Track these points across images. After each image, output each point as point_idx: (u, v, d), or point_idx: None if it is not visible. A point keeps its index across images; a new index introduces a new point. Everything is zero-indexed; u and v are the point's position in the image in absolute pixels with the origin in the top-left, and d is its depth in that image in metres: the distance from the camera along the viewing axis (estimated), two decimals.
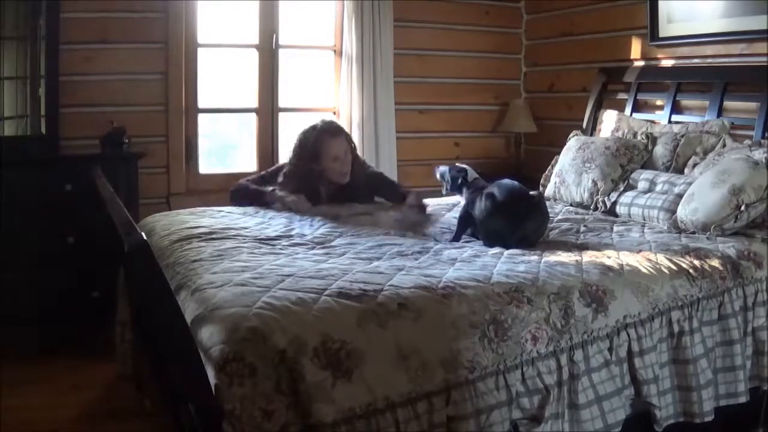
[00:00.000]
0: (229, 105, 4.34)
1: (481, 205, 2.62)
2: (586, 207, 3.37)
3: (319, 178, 3.26)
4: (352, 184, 3.30)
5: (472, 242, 2.65)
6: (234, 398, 1.57)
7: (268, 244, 2.52)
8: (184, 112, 4.01)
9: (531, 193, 2.70)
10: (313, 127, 3.26)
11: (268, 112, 4.25)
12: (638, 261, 2.32)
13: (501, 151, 4.91)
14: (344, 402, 1.66)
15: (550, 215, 3.15)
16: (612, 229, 2.89)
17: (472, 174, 2.92)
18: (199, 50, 4.05)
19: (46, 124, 3.54)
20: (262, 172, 3.50)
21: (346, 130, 4.25)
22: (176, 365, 1.66)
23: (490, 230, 2.59)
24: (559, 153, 3.76)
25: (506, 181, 2.72)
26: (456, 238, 2.70)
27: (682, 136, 3.34)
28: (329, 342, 1.69)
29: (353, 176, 3.30)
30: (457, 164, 3.02)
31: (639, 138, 3.50)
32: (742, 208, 2.64)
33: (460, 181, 2.90)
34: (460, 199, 2.94)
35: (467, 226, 2.73)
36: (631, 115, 3.89)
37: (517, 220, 2.55)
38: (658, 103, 3.85)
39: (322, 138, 3.21)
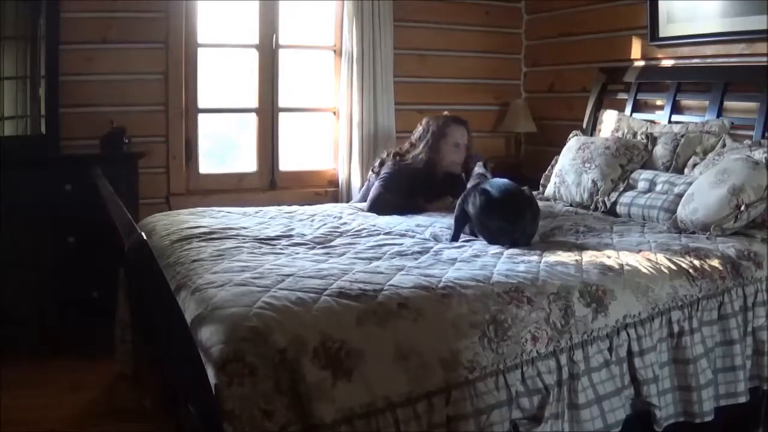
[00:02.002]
0: (229, 105, 4.33)
1: (476, 203, 2.62)
2: (586, 207, 3.37)
3: (433, 164, 3.49)
4: (460, 178, 3.45)
5: (471, 242, 2.65)
6: (234, 398, 1.57)
7: (268, 244, 2.52)
8: (184, 112, 4.01)
9: (522, 189, 2.71)
10: (440, 115, 3.65)
11: (268, 112, 4.25)
12: (638, 261, 2.32)
13: (501, 151, 4.91)
14: (344, 402, 1.66)
15: (551, 215, 3.17)
16: (612, 229, 2.89)
17: (478, 168, 2.93)
18: (199, 50, 4.05)
19: (46, 124, 3.53)
20: (383, 175, 3.52)
21: (346, 130, 4.28)
22: (176, 365, 1.66)
23: (490, 228, 2.59)
24: (559, 153, 3.76)
25: (496, 179, 2.73)
26: (455, 237, 2.70)
27: (682, 136, 3.34)
28: (329, 342, 1.69)
29: (464, 169, 3.49)
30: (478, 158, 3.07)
31: (639, 138, 3.50)
32: (742, 208, 2.64)
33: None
34: None
35: (464, 224, 2.73)
36: (631, 115, 3.89)
37: (514, 215, 2.55)
38: (658, 103, 3.85)
39: (448, 124, 3.54)
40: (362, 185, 3.96)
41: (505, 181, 2.71)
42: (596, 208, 3.30)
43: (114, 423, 2.69)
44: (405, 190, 3.42)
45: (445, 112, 3.60)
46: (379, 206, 3.36)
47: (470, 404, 1.80)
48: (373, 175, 3.60)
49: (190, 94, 4.04)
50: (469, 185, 2.88)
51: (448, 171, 3.51)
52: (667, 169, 3.28)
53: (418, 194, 3.44)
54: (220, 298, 1.84)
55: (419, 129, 3.63)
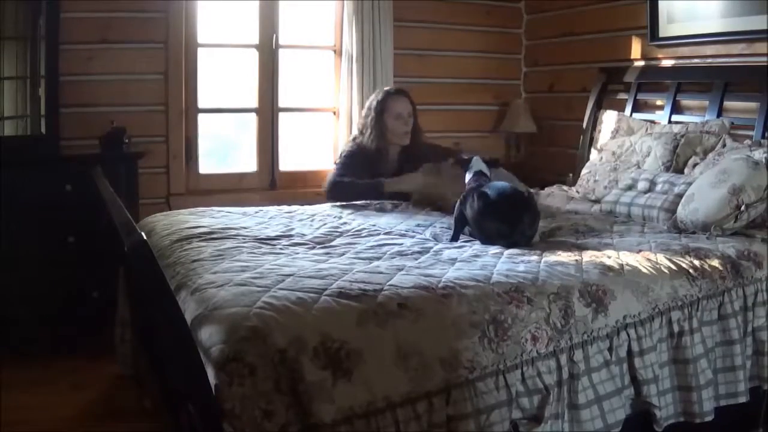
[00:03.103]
0: (229, 105, 4.34)
1: (474, 204, 2.62)
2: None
3: (384, 136, 3.52)
4: (412, 148, 3.53)
5: (471, 242, 2.65)
6: (234, 398, 1.57)
7: (268, 244, 2.52)
8: (184, 112, 4.01)
9: (522, 190, 2.70)
10: (380, 90, 3.70)
11: (268, 112, 4.25)
12: (638, 261, 2.32)
13: (501, 151, 4.90)
14: (344, 402, 1.66)
15: (551, 215, 3.17)
16: (612, 229, 2.89)
17: (477, 164, 2.91)
18: (199, 50, 4.05)
19: (46, 124, 3.53)
20: (338, 161, 3.64)
21: (346, 130, 4.28)
22: (176, 365, 1.66)
23: (487, 230, 2.59)
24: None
25: (495, 182, 2.73)
26: (454, 237, 2.70)
27: (682, 136, 3.34)
28: (329, 342, 1.69)
29: (413, 140, 3.56)
30: (464, 155, 3.04)
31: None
32: (742, 208, 2.64)
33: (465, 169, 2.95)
34: None
35: (464, 225, 2.72)
36: (631, 115, 3.89)
37: (512, 218, 2.55)
38: (658, 103, 3.85)
39: (387, 96, 3.57)
40: None
41: (505, 183, 2.70)
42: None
43: (114, 423, 2.69)
44: (363, 171, 3.47)
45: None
46: (336, 192, 3.43)
47: (470, 404, 1.80)
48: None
49: (190, 94, 4.04)
50: (467, 184, 2.86)
51: (399, 144, 3.57)
52: (667, 169, 3.28)
53: (381, 176, 3.49)
54: (220, 298, 1.84)
55: (365, 107, 3.68)
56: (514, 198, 2.62)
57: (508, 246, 2.49)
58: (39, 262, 3.29)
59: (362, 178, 3.46)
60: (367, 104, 3.66)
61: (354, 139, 3.67)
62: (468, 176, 2.90)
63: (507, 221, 2.54)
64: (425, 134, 3.77)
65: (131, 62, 3.84)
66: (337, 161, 3.66)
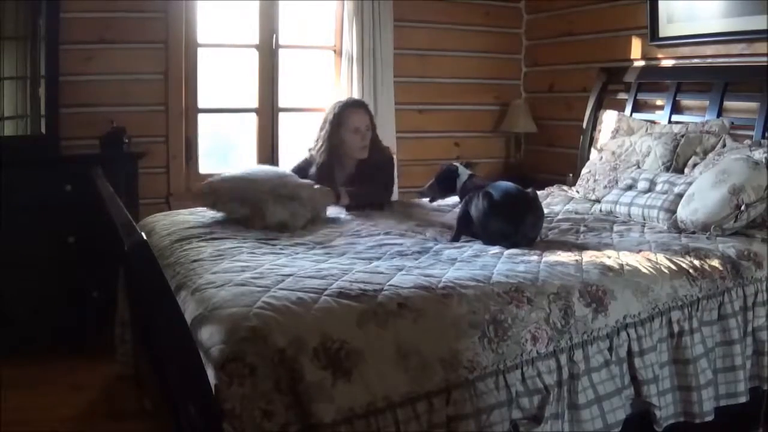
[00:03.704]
0: (229, 105, 4.34)
1: (479, 204, 2.62)
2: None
3: (338, 151, 3.38)
4: (369, 162, 3.40)
5: (471, 242, 2.65)
6: (234, 398, 1.57)
7: (268, 244, 2.52)
8: (184, 112, 4.01)
9: (526, 190, 2.70)
10: (338, 101, 3.48)
11: (268, 112, 4.25)
12: (638, 261, 2.32)
13: (501, 151, 4.91)
14: (344, 402, 1.66)
15: (551, 215, 3.17)
16: (612, 229, 2.89)
17: (463, 171, 2.94)
18: (199, 50, 4.05)
19: (46, 124, 3.53)
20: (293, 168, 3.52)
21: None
22: (176, 365, 1.66)
23: (490, 230, 2.59)
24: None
25: (501, 182, 2.74)
26: (455, 238, 2.70)
27: (682, 136, 3.34)
28: (329, 342, 1.69)
29: (371, 154, 3.41)
30: (443, 165, 3.05)
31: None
32: (742, 208, 2.64)
33: (452, 180, 2.95)
34: (457, 199, 2.97)
35: (466, 225, 2.73)
36: (631, 115, 3.89)
37: (516, 218, 2.55)
38: (658, 103, 3.85)
39: (344, 110, 3.39)
40: None
41: (509, 183, 2.71)
42: None
43: (114, 423, 2.69)
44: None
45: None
46: None
47: (470, 404, 1.80)
48: None
49: (190, 94, 4.04)
50: (461, 190, 2.90)
51: (355, 158, 3.41)
52: (667, 169, 3.28)
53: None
54: (220, 298, 1.84)
55: (321, 120, 3.47)
56: (518, 199, 2.62)
57: (509, 246, 2.49)
58: (39, 262, 3.29)
59: None
60: (323, 116, 3.46)
61: (310, 149, 3.50)
62: (459, 183, 2.95)
63: (511, 222, 2.55)
64: (384, 148, 3.57)
65: (131, 62, 3.84)
66: None
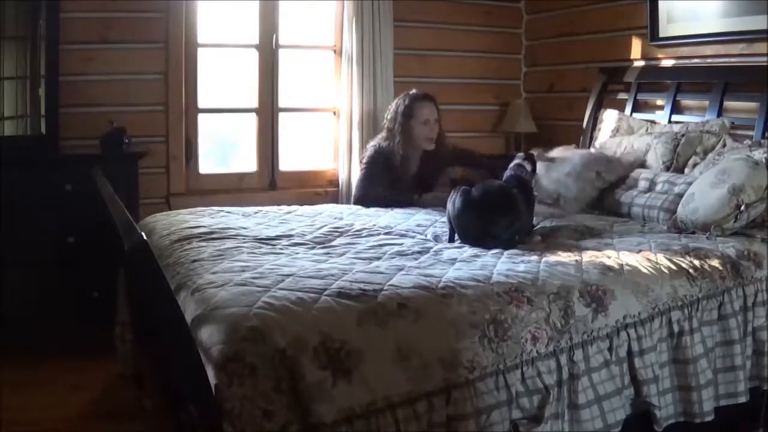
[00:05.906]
0: (229, 105, 4.34)
1: (455, 202, 2.62)
2: None
3: (407, 143, 3.50)
4: (437, 153, 3.53)
5: None
6: (234, 398, 1.57)
7: (268, 244, 2.52)
8: (184, 112, 4.01)
9: (508, 191, 2.66)
10: (406, 94, 3.61)
11: (268, 112, 4.25)
12: (638, 261, 2.32)
13: (501, 151, 4.90)
14: (344, 402, 1.66)
15: (551, 215, 3.16)
16: (612, 229, 2.89)
17: (517, 162, 2.92)
18: (199, 50, 4.04)
19: (46, 124, 3.53)
20: (363, 166, 3.59)
21: (346, 130, 4.28)
22: (176, 365, 1.66)
23: (461, 227, 2.58)
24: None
25: (490, 181, 2.73)
26: (451, 238, 2.69)
27: (682, 136, 3.34)
28: (329, 342, 1.69)
29: (438, 146, 3.54)
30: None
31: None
32: (742, 208, 2.64)
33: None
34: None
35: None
36: (631, 115, 3.89)
37: (487, 218, 2.53)
38: (658, 103, 3.85)
39: (414, 102, 3.53)
40: None
41: (496, 182, 2.70)
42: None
43: (114, 423, 2.69)
44: (385, 178, 3.48)
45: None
46: (366, 202, 3.42)
47: (470, 404, 1.80)
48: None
49: (190, 94, 4.04)
50: (506, 174, 2.89)
51: (423, 149, 3.56)
52: (667, 169, 3.28)
53: (400, 179, 3.49)
54: (220, 298, 1.84)
55: (390, 111, 3.62)
56: (494, 199, 2.59)
57: (480, 246, 2.48)
58: (39, 262, 3.29)
59: (385, 184, 3.46)
60: (392, 108, 3.59)
61: (374, 145, 3.61)
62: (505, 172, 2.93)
63: (481, 221, 2.54)
64: (448, 137, 3.75)
65: (131, 62, 3.84)
66: (361, 170, 3.62)
